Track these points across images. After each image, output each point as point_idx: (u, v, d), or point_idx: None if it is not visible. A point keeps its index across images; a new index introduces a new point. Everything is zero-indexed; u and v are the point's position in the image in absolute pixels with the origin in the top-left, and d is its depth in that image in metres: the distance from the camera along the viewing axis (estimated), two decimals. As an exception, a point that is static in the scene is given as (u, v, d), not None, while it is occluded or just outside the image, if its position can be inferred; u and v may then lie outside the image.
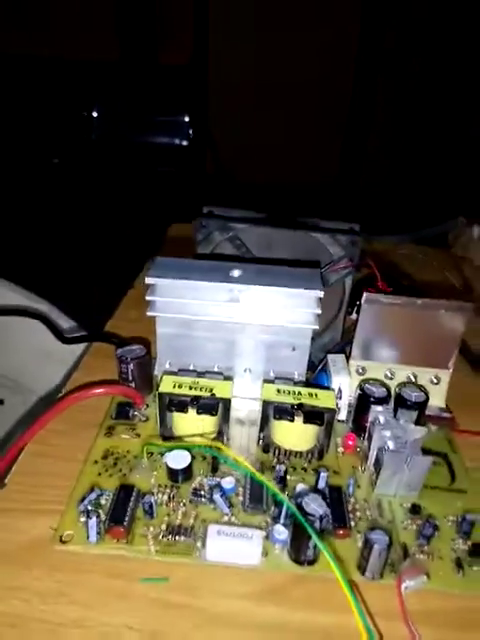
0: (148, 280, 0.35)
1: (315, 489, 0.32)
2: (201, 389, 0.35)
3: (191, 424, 0.35)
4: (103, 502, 0.32)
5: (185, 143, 1.59)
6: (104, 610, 0.27)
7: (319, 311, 0.35)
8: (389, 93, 1.13)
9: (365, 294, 0.38)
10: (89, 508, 0.31)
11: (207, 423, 0.35)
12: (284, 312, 0.36)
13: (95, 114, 1.56)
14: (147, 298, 0.35)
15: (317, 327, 0.36)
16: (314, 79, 1.36)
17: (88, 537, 0.30)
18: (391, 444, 0.33)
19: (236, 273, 0.36)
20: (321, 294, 0.35)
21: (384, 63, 1.23)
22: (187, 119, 1.57)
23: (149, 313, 0.36)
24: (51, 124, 1.49)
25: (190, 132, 1.57)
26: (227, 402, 0.35)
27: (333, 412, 0.34)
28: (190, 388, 0.35)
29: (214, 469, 0.34)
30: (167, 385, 0.35)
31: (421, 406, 0.36)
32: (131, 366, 0.39)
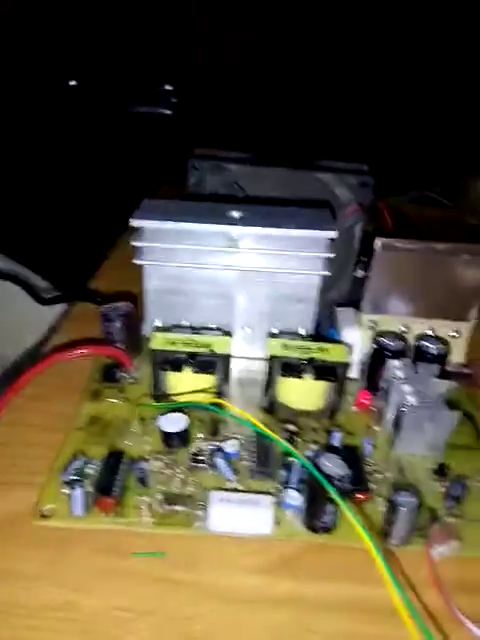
0: (134, 222, 0.31)
1: (329, 449, 0.28)
2: (197, 345, 0.31)
3: (188, 385, 0.31)
4: (90, 472, 0.28)
5: (169, 112, 1.55)
6: (93, 591, 0.23)
7: (330, 255, 0.31)
8: (388, 55, 1.05)
9: (379, 240, 0.34)
10: (73, 478, 0.27)
11: (205, 383, 0.31)
12: (290, 258, 0.32)
13: (74, 83, 1.50)
14: (132, 243, 0.31)
15: (329, 273, 0.32)
16: (312, 41, 1.24)
17: (72, 511, 0.26)
18: (413, 400, 0.29)
19: (235, 214, 0.32)
20: (334, 235, 0.31)
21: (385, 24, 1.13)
22: (170, 88, 1.53)
23: (135, 261, 0.32)
24: (28, 94, 1.43)
25: (174, 101, 1.53)
26: (227, 359, 0.31)
27: (346, 366, 0.31)
28: (185, 345, 0.31)
29: (214, 432, 0.31)
30: (159, 342, 0.31)
31: (443, 359, 0.33)
32: (117, 324, 0.35)
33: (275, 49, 1.07)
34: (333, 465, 0.24)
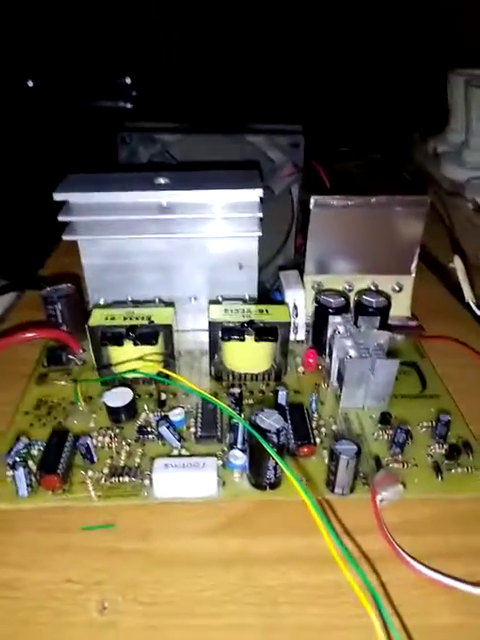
0: (57, 197, 0.30)
1: (275, 408, 0.29)
2: (137, 318, 0.31)
3: (132, 358, 0.31)
4: (36, 453, 0.28)
5: (129, 106, 1.53)
6: (41, 568, 0.23)
7: (261, 214, 0.31)
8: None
9: (313, 198, 0.34)
10: (16, 460, 0.27)
11: (149, 355, 0.31)
12: (222, 222, 0.32)
13: (31, 84, 1.47)
14: (59, 219, 0.31)
15: (260, 233, 0.32)
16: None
17: (17, 491, 0.26)
18: (353, 352, 0.30)
19: (162, 181, 0.31)
20: (261, 193, 0.31)
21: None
22: (129, 81, 1.50)
23: (65, 237, 0.31)
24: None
25: (133, 94, 1.51)
26: (168, 329, 0.31)
27: (287, 326, 0.31)
28: (125, 319, 0.31)
29: (161, 404, 0.30)
30: (98, 318, 0.31)
31: (383, 311, 0.33)
32: (59, 306, 0.34)
33: (219, 18, 1.03)
34: (269, 420, 0.24)
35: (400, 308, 0.36)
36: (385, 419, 0.29)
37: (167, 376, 0.30)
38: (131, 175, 0.32)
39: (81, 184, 0.31)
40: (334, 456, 0.24)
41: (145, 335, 0.30)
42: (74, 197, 0.30)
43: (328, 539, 0.20)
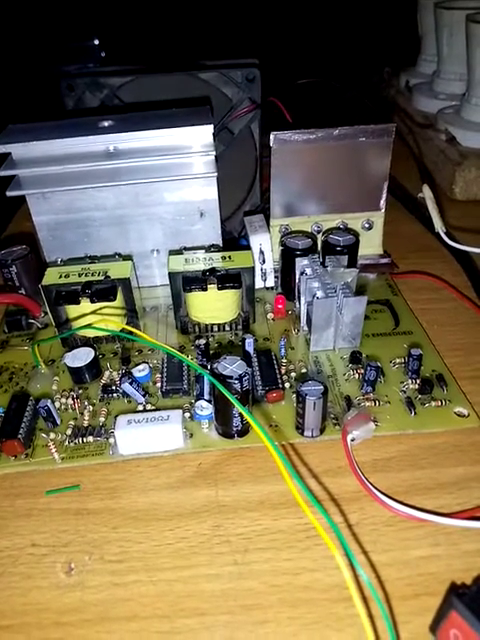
0: (-3, 149, 0.28)
1: (244, 356, 0.27)
2: (93, 274, 0.30)
3: (90, 316, 0.30)
4: (-3, 421, 0.27)
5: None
6: (5, 534, 0.23)
7: (214, 153, 0.29)
8: None
9: (273, 134, 0.32)
10: (-25, 428, 0.26)
11: (109, 311, 0.30)
12: (175, 165, 0.30)
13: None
14: (1, 173, 0.28)
15: (216, 173, 0.30)
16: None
17: (-22, 459, 0.25)
18: (320, 293, 0.28)
19: (106, 124, 0.29)
20: (212, 129, 0.29)
21: None
22: (97, 42, 1.43)
23: (9, 193, 0.29)
24: None
25: (102, 55, 1.44)
26: (126, 283, 0.30)
27: (251, 271, 0.29)
28: (80, 276, 0.30)
29: (126, 361, 0.29)
30: (51, 277, 0.30)
31: (351, 249, 0.31)
32: (14, 269, 0.33)
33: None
34: (232, 366, 0.23)
35: (372, 246, 0.35)
36: (355, 358, 0.28)
37: (130, 332, 0.29)
38: (74, 121, 0.30)
39: (22, 134, 0.29)
40: (300, 398, 0.23)
41: (102, 291, 0.29)
42: (13, 148, 0.28)
43: (290, 482, 0.19)
